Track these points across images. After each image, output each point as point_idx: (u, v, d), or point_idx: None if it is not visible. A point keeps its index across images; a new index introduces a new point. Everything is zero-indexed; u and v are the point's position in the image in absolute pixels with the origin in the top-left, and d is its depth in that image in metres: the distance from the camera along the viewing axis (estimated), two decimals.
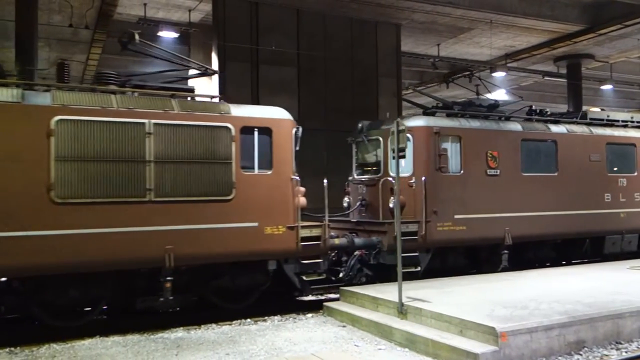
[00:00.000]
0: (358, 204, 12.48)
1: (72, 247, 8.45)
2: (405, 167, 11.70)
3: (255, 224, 9.81)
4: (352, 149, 13.11)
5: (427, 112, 12.63)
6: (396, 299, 8.77)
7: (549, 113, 14.50)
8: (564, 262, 14.02)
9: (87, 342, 8.45)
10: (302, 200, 10.53)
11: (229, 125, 9.71)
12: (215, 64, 17.38)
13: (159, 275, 9.12)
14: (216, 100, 10.10)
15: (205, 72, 11.04)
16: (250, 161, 9.92)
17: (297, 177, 10.26)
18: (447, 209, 11.76)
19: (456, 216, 11.87)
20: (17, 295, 8.63)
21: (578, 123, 14.40)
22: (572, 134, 13.77)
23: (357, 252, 11.65)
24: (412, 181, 11.58)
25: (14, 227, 8.11)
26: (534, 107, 14.46)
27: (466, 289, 9.92)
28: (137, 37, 9.94)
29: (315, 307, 10.55)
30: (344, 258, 11.78)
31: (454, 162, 12.05)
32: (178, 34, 20.30)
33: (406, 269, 11.14)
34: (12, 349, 8.08)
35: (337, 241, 11.41)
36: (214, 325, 9.40)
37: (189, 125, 9.40)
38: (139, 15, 19.20)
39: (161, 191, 9.12)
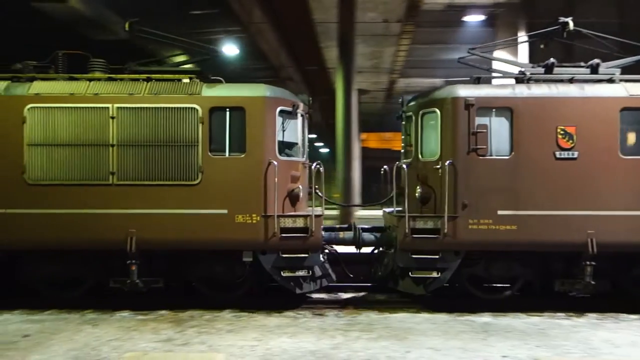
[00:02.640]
0: (393, 192, 10.58)
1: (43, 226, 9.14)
2: (434, 148, 9.51)
3: (224, 211, 9.14)
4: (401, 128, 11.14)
5: (476, 79, 9.94)
6: None
7: None
8: None
9: (400, 315, 9.14)
10: (294, 188, 9.45)
11: (195, 106, 9.19)
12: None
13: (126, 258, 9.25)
14: (196, 81, 9.59)
15: None
16: (221, 144, 9.26)
17: (302, 161, 9.54)
18: (484, 202, 9.14)
19: (500, 212, 9.14)
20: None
21: None
22: None
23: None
24: (437, 166, 9.31)
25: None
26: None
27: None
28: None
29: None
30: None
31: (498, 141, 9.26)
32: (484, 17, 20.12)
33: (421, 273, 9.17)
34: (339, 312, 9.25)
35: (341, 234, 9.91)
36: (521, 314, 9.25)
37: (153, 108, 9.20)
38: (446, 3, 19.50)
39: (123, 175, 9.18)
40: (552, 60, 9.78)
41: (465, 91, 9.32)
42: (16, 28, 13.42)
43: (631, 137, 9.28)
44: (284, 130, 9.49)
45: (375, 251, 10.59)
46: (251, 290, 9.79)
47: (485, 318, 8.98)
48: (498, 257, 9.52)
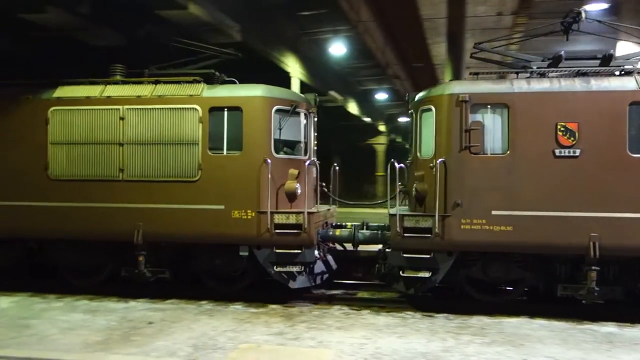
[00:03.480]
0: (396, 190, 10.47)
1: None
2: (430, 145, 9.36)
3: (222, 207, 9.55)
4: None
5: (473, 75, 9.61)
6: None
7: None
8: None
9: (514, 320, 8.85)
10: (289, 185, 9.67)
11: (195, 106, 9.67)
12: None
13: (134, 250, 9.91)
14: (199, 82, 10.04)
15: None
16: (219, 142, 9.67)
17: (304, 159, 9.85)
18: (478, 201, 8.85)
19: (495, 212, 8.81)
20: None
21: None
22: None
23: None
24: (432, 164, 9.14)
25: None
26: None
27: None
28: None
29: None
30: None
31: (494, 139, 8.93)
32: (608, 4, 19.00)
33: (412, 273, 9.10)
34: (448, 315, 9.11)
35: (337, 232, 9.97)
36: None
37: (157, 108, 9.79)
38: None
39: (131, 172, 9.84)
40: (561, 52, 9.26)
41: (459, 87, 9.08)
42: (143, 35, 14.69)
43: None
44: (280, 129, 9.72)
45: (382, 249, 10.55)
46: (252, 284, 10.12)
47: (609, 328, 8.50)
48: (496, 259, 9.18)
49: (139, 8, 13.55)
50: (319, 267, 10.13)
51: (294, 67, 22.20)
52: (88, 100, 10.04)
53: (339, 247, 11.25)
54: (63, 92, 10.24)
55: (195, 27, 14.78)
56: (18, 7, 12.40)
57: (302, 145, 10.28)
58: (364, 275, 11.51)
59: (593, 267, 8.58)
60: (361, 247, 10.52)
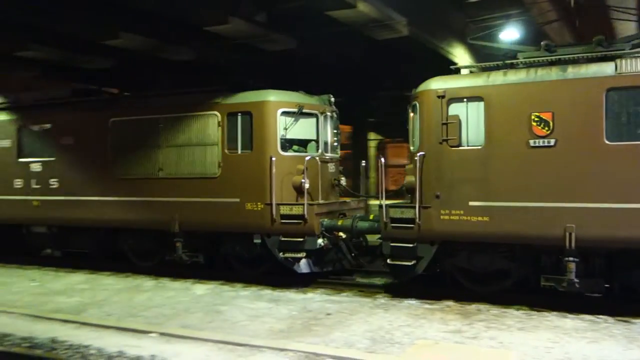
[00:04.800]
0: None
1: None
2: (416, 139, 9.82)
3: (237, 200, 10.88)
4: None
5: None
6: None
7: None
8: None
9: None
10: (295, 179, 10.71)
11: (215, 112, 11.12)
12: None
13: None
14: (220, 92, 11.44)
15: None
16: (235, 143, 11.00)
17: (314, 156, 10.88)
18: (456, 193, 9.13)
19: (472, 203, 9.02)
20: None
21: None
22: None
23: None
24: (416, 158, 9.59)
25: None
26: None
27: None
28: None
29: None
30: None
31: (471, 132, 9.11)
32: None
33: (396, 261, 9.71)
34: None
35: (340, 222, 10.73)
36: None
37: (186, 116, 11.40)
38: None
39: (167, 170, 11.58)
40: (544, 42, 9.13)
41: (437, 83, 9.39)
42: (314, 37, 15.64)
43: (619, 121, 8.24)
44: (286, 129, 10.78)
45: None
46: (271, 268, 11.30)
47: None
48: (480, 249, 9.34)
49: (309, 11, 14.13)
50: (331, 255, 11.02)
51: (462, 57, 21.37)
52: (138, 111, 12.01)
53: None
54: (122, 104, 12.33)
55: (361, 25, 15.00)
56: (203, 21, 13.63)
57: (315, 142, 11.24)
58: None
59: (571, 259, 8.45)
60: None
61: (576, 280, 8.46)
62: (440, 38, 19.25)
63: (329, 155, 11.57)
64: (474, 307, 9.04)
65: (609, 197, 8.19)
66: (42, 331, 8.05)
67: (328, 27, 14.90)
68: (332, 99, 11.66)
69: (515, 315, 8.62)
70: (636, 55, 8.31)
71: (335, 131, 11.86)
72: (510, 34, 20.63)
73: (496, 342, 7.24)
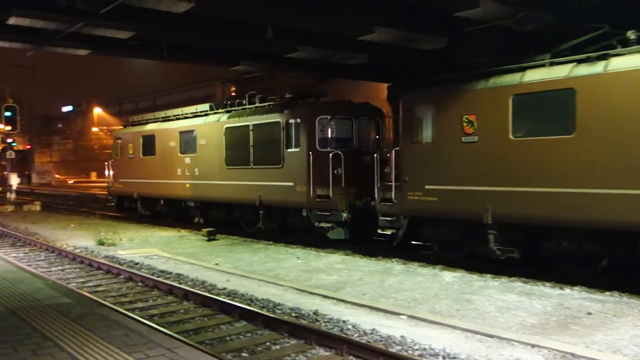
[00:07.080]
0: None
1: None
2: None
3: (292, 184, 14.89)
4: None
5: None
6: None
7: None
8: None
9: None
10: (334, 169, 14.31)
11: (279, 120, 15.23)
12: None
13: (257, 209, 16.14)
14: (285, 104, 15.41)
15: None
16: (291, 142, 14.97)
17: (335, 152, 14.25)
18: (417, 178, 11.79)
19: (427, 187, 11.63)
20: None
21: None
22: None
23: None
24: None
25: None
26: None
27: None
28: None
29: None
30: None
31: (426, 130, 11.64)
32: None
33: (383, 230, 12.83)
34: None
35: (357, 202, 13.89)
36: None
37: (263, 123, 15.74)
38: None
39: (255, 162, 16.08)
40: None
41: (411, 92, 12.07)
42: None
43: (521, 120, 10.09)
44: (322, 130, 14.39)
45: None
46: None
47: None
48: (438, 223, 11.81)
49: None
50: (356, 227, 14.31)
51: None
52: (234, 120, 16.79)
53: None
54: (232, 113, 17.27)
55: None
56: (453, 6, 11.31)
57: (350, 141, 14.67)
58: None
59: (490, 231, 10.59)
60: None
61: (494, 248, 10.58)
62: None
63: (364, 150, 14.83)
64: None
65: (515, 182, 10.17)
66: (307, 304, 8.70)
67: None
68: (370, 106, 14.90)
69: None
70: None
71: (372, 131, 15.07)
72: None
73: None
